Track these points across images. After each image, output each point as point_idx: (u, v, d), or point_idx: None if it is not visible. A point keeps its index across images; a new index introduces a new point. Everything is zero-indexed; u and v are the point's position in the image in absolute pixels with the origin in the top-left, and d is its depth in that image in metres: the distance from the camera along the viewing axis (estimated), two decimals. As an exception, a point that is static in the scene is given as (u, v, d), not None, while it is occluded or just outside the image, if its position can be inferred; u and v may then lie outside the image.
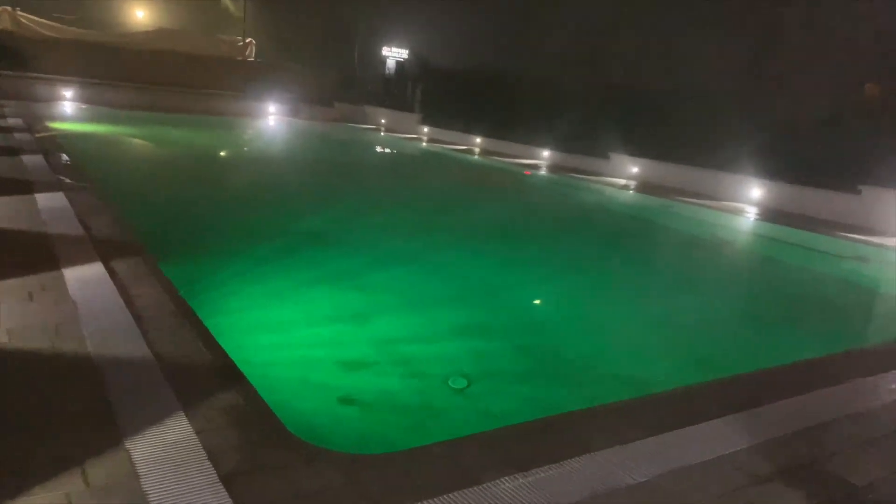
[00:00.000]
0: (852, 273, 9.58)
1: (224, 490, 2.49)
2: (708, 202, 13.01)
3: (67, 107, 19.78)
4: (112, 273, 4.76)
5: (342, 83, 28.05)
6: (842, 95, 13.51)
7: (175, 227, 8.20)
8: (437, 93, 24.61)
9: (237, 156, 17.42)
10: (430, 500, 2.57)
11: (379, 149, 22.41)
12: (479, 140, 20.66)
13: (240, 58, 29.80)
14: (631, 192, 14.46)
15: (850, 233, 10.72)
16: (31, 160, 9.02)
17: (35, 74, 20.87)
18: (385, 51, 30.12)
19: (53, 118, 16.63)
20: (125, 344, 3.63)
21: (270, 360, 4.74)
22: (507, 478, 2.77)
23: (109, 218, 6.33)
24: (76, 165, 9.30)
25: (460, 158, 19.08)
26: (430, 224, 10.26)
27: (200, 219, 9.00)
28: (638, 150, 15.90)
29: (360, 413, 4.26)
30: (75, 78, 21.15)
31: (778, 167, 12.82)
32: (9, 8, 25.53)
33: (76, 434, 2.77)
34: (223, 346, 3.85)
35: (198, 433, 2.86)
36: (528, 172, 16.64)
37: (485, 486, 2.71)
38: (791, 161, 12.73)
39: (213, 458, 2.68)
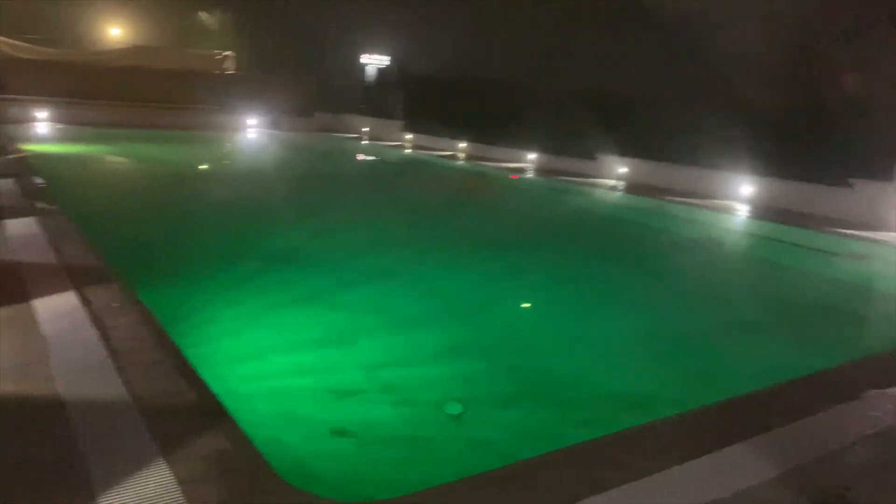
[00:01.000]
0: (852, 272, 9.42)
1: (209, 553, 2.24)
2: (698, 201, 12.86)
3: (41, 127, 19.38)
4: (86, 303, 4.49)
5: (322, 92, 27.76)
6: (827, 87, 13.41)
7: (152, 250, 7.88)
8: (420, 99, 24.35)
9: (216, 172, 17.04)
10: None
11: (361, 158, 22.15)
12: (463, 145, 20.46)
13: (217, 71, 29.43)
14: (620, 192, 14.30)
15: (844, 228, 10.58)
16: (1, 184, 8.68)
17: (7, 96, 20.42)
18: (364, 58, 29.88)
19: (27, 139, 16.23)
20: (99, 383, 3.37)
21: (255, 392, 4.47)
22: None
23: (83, 244, 6.04)
24: (49, 188, 8.97)
25: (445, 164, 18.87)
26: (416, 236, 10.01)
27: (178, 240, 8.68)
28: (625, 150, 15.75)
29: (353, 447, 4.00)
30: (49, 98, 20.73)
31: (767, 163, 12.69)
32: (-21, 30, 25.04)
33: (43, 491, 2.49)
34: (205, 378, 3.60)
35: (181, 484, 2.60)
36: (514, 176, 16.45)
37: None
38: (780, 156, 12.60)
39: (197, 514, 2.43)
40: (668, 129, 14.55)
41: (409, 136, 22.70)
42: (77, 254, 5.70)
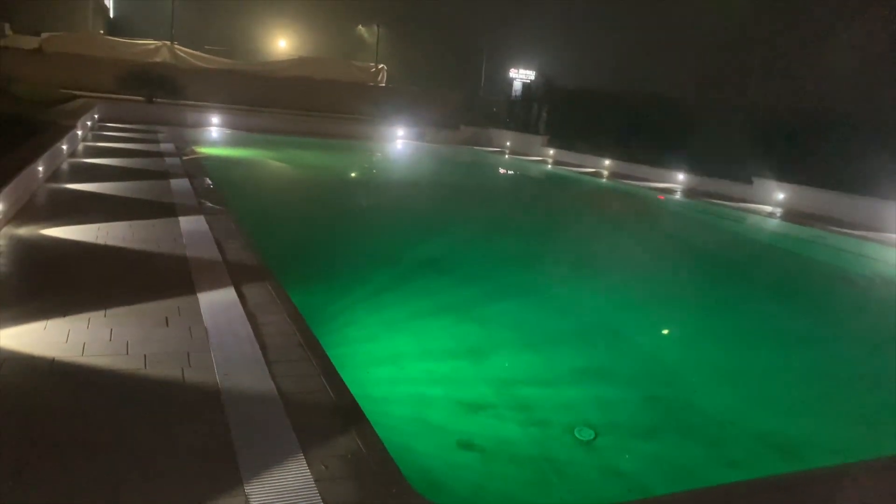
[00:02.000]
0: None
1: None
2: (870, 234, 11.68)
3: (213, 132, 21.20)
4: (242, 299, 4.82)
5: (468, 106, 28.27)
6: None
7: (301, 250, 8.37)
8: (564, 114, 24.13)
9: (364, 179, 17.87)
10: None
11: (502, 171, 22.28)
12: (607, 162, 19.99)
13: (371, 83, 30.86)
14: (778, 220, 13.32)
15: None
16: (178, 184, 9.58)
17: (186, 102, 22.57)
18: (512, 72, 30.10)
19: (200, 143, 17.82)
20: (251, 376, 3.60)
21: (389, 396, 4.61)
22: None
23: (243, 242, 6.51)
24: (216, 189, 9.79)
25: (587, 181, 18.53)
26: (556, 253, 9.89)
27: (326, 243, 9.17)
28: (784, 174, 14.65)
29: (479, 461, 4.00)
30: (221, 104, 22.67)
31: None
32: (168, 42, 27.95)
33: (197, 474, 2.70)
34: (343, 378, 3.74)
35: (316, 481, 2.71)
36: (661, 197, 15.81)
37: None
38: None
39: (330, 513, 2.52)
40: (845, 154, 13.33)
41: (551, 152, 22.55)
42: (237, 251, 6.16)
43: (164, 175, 10.29)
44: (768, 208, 14.22)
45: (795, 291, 9.10)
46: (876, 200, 12.61)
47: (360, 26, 40.44)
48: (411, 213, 12.29)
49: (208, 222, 7.20)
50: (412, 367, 5.21)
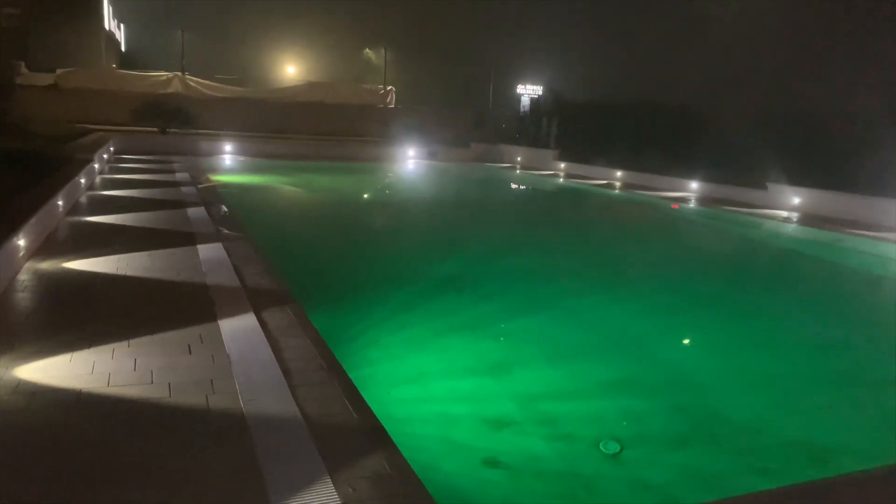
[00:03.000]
0: None
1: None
2: (884, 234, 11.57)
3: (227, 159, 21.45)
4: (263, 324, 4.86)
5: (478, 124, 28.42)
6: None
7: (319, 273, 8.42)
8: (574, 127, 24.19)
9: (378, 200, 17.98)
10: None
11: (514, 187, 22.33)
12: (619, 174, 19.97)
13: (381, 105, 31.14)
14: (794, 224, 13.22)
15: None
16: (195, 212, 9.69)
17: (199, 131, 22.89)
18: (520, 88, 30.25)
19: (214, 171, 18.05)
20: (275, 401, 3.62)
21: (413, 416, 4.61)
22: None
23: (261, 267, 6.57)
24: (233, 215, 9.89)
25: (600, 193, 18.52)
26: (573, 266, 9.87)
27: (343, 264, 9.22)
28: (798, 179, 14.56)
29: (506, 478, 3.99)
30: (234, 132, 22.97)
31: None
32: (179, 73, 28.42)
33: (226, 499, 2.72)
34: (367, 399, 3.75)
35: (344, 503, 2.72)
36: (675, 206, 15.77)
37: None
38: None
39: (360, 535, 2.52)
40: (851, 154, 13.28)
41: (562, 165, 22.58)
42: (256, 277, 6.21)
43: (180, 204, 10.41)
44: (783, 213, 14.11)
45: (819, 295, 9.00)
46: (891, 200, 12.52)
47: (366, 50, 40.91)
48: (427, 232, 12.35)
49: (226, 249, 7.27)
50: (435, 385, 5.22)
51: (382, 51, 36.26)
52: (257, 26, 38.21)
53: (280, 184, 18.88)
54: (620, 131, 21.10)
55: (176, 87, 27.40)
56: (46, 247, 6.93)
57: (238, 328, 4.76)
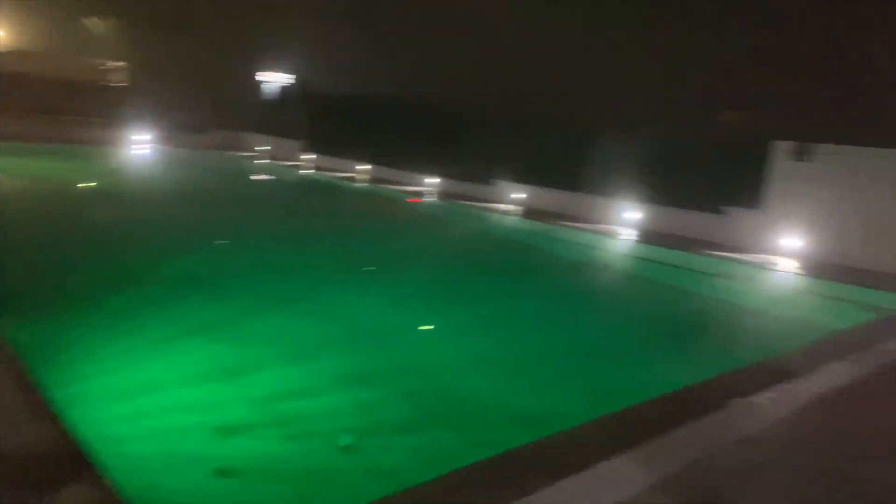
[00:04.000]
0: (720, 290, 10.12)
1: None
2: (587, 225, 13.49)
3: None
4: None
5: (219, 109, 26.98)
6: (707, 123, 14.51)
7: (22, 278, 7.35)
8: (323, 119, 24.04)
9: (98, 191, 15.96)
10: None
11: (255, 177, 21.58)
12: (366, 167, 20.38)
13: (108, 82, 28.08)
14: (514, 217, 14.73)
15: (715, 250, 11.38)
16: None
17: None
18: (265, 75, 29.31)
19: None
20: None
21: (132, 434, 4.25)
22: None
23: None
24: None
25: (345, 186, 18.73)
26: (309, 260, 9.84)
27: (52, 266, 8.13)
28: (523, 176, 16.23)
29: (240, 486, 3.88)
30: None
31: (651, 191, 13.48)
32: None
33: None
34: (74, 421, 3.39)
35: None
36: (416, 200, 16.58)
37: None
38: (663, 185, 13.41)
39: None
40: (566, 156, 15.15)
41: (309, 157, 22.40)
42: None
43: None
44: (507, 206, 15.64)
45: (529, 278, 10.08)
46: (592, 196, 14.62)
47: (87, 18, 36.43)
48: (155, 226, 11.37)
49: None
50: (161, 396, 4.86)
51: (112, 22, 32.55)
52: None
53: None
54: (376, 126, 21.40)
55: None
56: None
57: None
